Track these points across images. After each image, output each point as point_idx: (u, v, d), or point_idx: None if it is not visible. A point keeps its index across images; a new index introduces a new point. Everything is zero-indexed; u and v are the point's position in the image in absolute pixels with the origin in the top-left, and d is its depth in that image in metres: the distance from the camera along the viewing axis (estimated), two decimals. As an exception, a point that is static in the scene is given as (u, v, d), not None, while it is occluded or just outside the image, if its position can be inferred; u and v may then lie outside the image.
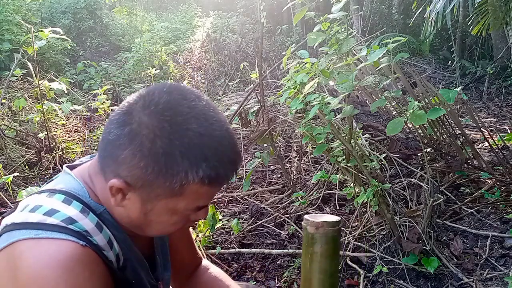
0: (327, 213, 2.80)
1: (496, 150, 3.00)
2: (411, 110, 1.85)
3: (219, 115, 0.75)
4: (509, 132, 4.24)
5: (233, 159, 0.74)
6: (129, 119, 0.72)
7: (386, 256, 2.22)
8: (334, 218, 0.88)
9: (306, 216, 0.89)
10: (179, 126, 0.69)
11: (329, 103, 2.03)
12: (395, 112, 3.45)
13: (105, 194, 0.78)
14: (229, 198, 3.25)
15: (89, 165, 0.84)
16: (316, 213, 2.79)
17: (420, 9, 6.52)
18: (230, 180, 0.77)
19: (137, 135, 0.70)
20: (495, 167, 2.99)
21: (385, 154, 2.81)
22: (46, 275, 0.67)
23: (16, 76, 4.80)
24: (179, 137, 0.68)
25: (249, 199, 3.18)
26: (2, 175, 3.08)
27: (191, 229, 2.55)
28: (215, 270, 1.17)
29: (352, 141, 2.22)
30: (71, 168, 0.87)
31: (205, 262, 1.21)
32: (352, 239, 2.37)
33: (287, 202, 2.99)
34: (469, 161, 2.95)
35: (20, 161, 3.96)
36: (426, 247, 2.13)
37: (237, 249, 2.52)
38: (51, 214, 0.72)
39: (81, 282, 0.69)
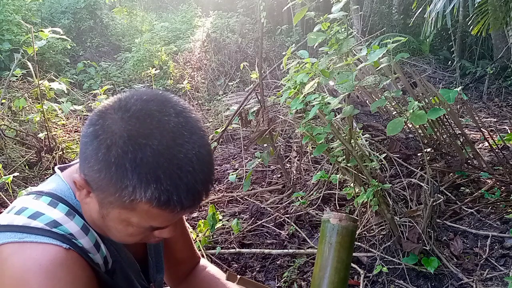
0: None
1: (496, 150, 3.00)
2: (411, 110, 1.85)
3: (194, 137, 0.68)
4: (509, 132, 4.24)
5: (193, 187, 0.67)
6: (97, 119, 0.70)
7: (386, 256, 2.22)
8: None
9: (325, 213, 0.95)
10: (138, 139, 0.64)
11: (329, 103, 2.03)
12: (395, 112, 3.45)
13: None
14: (229, 198, 3.25)
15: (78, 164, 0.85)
16: (317, 213, 2.79)
17: (420, 9, 6.52)
18: (190, 208, 0.70)
19: (97, 138, 0.67)
20: (495, 167, 2.99)
21: (385, 154, 2.81)
22: (28, 280, 0.68)
23: (16, 76, 4.81)
24: (134, 150, 0.64)
25: (249, 199, 3.18)
26: (2, 175, 3.08)
27: (191, 229, 2.56)
28: (212, 269, 1.17)
29: (352, 141, 2.22)
30: (64, 168, 0.87)
31: (203, 261, 1.21)
32: (352, 239, 2.37)
33: (287, 202, 2.99)
34: (469, 161, 2.95)
35: (20, 161, 3.97)
36: (426, 247, 2.13)
37: (237, 249, 2.51)
38: (36, 217, 0.73)
39: (63, 286, 0.69)
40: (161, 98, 0.71)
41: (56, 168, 0.86)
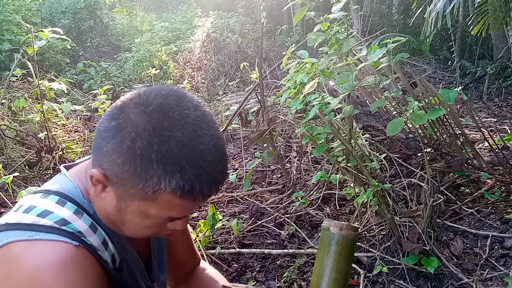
0: (327, 213, 2.80)
1: (496, 150, 3.00)
2: (411, 110, 1.85)
3: (211, 130, 0.72)
4: (509, 132, 4.24)
5: (214, 177, 0.71)
6: (119, 113, 0.72)
7: (386, 256, 2.22)
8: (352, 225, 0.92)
9: (325, 220, 0.93)
10: (163, 131, 0.68)
11: (329, 103, 2.03)
12: (395, 112, 3.45)
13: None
14: (229, 198, 3.25)
15: (89, 161, 0.85)
16: (317, 213, 2.79)
17: (420, 9, 6.51)
18: (208, 198, 0.74)
19: (120, 131, 0.69)
20: (495, 167, 2.99)
21: (385, 154, 2.81)
22: (40, 278, 0.68)
23: (16, 76, 4.81)
24: (159, 142, 0.67)
25: (249, 199, 3.18)
26: (2, 175, 3.08)
27: (191, 229, 2.55)
28: (211, 271, 1.18)
29: (352, 141, 2.22)
30: (69, 167, 0.87)
31: (203, 263, 1.22)
32: (352, 239, 2.37)
33: (287, 202, 2.99)
34: (469, 161, 2.95)
35: (20, 161, 3.97)
36: (426, 247, 2.13)
37: (237, 249, 2.52)
38: (45, 216, 0.73)
39: (75, 283, 0.70)
40: (177, 94, 0.74)
41: (61, 167, 0.86)
